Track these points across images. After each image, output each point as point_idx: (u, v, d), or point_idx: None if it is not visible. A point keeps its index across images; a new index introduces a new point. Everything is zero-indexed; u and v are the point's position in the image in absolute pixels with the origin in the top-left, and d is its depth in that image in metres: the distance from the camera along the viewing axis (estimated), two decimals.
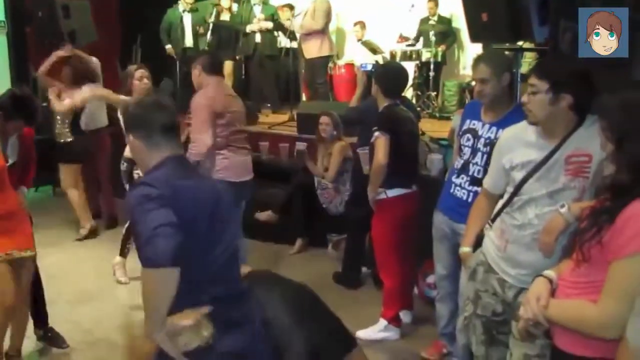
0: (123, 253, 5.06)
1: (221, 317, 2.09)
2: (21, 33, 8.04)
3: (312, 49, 8.38)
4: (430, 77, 8.27)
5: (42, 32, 7.63)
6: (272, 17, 8.71)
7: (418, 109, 7.82)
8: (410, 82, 8.16)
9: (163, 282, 1.91)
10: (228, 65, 8.81)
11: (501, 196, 2.63)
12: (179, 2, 8.77)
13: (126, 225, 4.89)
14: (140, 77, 4.87)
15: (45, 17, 7.68)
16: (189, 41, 8.70)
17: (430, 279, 4.43)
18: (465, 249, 2.81)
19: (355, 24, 8.77)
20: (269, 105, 8.95)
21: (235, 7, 8.93)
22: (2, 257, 3.35)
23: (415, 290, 4.64)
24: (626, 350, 1.57)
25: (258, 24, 8.62)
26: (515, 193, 2.49)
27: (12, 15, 8.07)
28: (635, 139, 1.72)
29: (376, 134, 3.86)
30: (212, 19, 8.64)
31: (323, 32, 8.34)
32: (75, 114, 5.95)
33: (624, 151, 1.74)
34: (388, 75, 4.15)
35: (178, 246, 1.90)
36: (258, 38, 8.78)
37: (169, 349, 2.02)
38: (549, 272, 2.00)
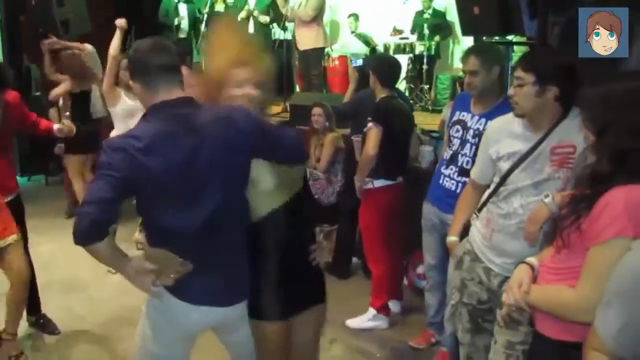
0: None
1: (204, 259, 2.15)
2: (15, 21, 8.02)
3: (306, 41, 8.38)
4: (424, 70, 8.29)
5: (35, 21, 7.59)
6: (268, 9, 8.71)
7: (411, 101, 7.89)
8: (403, 74, 8.21)
9: (94, 254, 2.03)
10: None
11: (488, 186, 2.67)
12: None
13: None
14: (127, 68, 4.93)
15: (39, 5, 7.65)
16: (184, 32, 8.71)
17: (420, 269, 4.48)
18: (452, 238, 2.85)
19: (349, 16, 8.79)
20: None
21: None
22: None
23: (405, 281, 4.69)
24: (593, 338, 1.62)
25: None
26: (501, 183, 2.53)
27: (6, 3, 8.05)
28: (614, 130, 1.75)
29: (370, 124, 3.90)
30: (206, 10, 8.64)
31: (317, 23, 8.33)
32: (79, 104, 5.91)
33: (604, 142, 1.77)
34: (384, 65, 4.18)
35: (95, 224, 1.96)
36: (250, 30, 8.80)
37: (137, 285, 2.11)
38: (531, 259, 2.04)
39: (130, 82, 2.22)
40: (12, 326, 3.59)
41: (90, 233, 1.96)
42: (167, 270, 2.10)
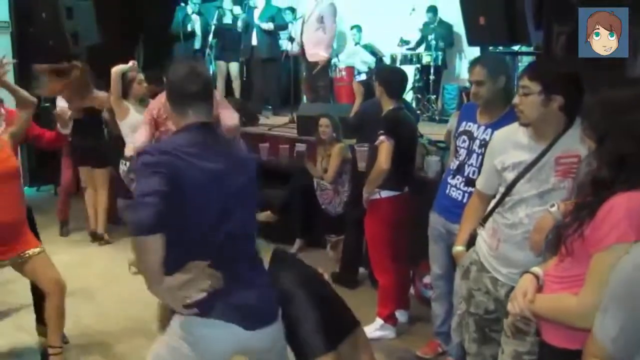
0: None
1: (230, 273, 2.17)
2: (25, 33, 8.08)
3: (314, 52, 8.43)
4: (431, 81, 8.33)
5: (45, 33, 7.65)
6: (272, 18, 8.75)
7: (418, 112, 7.91)
8: (410, 85, 8.23)
9: (146, 247, 2.00)
10: (234, 68, 8.89)
11: (494, 196, 2.68)
12: (188, 3, 8.84)
13: None
14: (140, 81, 4.99)
15: (49, 18, 7.71)
16: (197, 43, 8.78)
17: (427, 279, 4.47)
18: (458, 248, 2.86)
19: (352, 28, 8.83)
20: (269, 107, 9.00)
21: (237, 9, 8.98)
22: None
23: (412, 291, 4.68)
24: (592, 344, 1.62)
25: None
26: (506, 193, 2.54)
27: (16, 15, 8.12)
28: (614, 137, 1.76)
29: (381, 137, 3.88)
30: (214, 22, 8.69)
31: (333, 36, 8.42)
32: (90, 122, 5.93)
33: (604, 148, 1.79)
34: (391, 77, 4.20)
35: (159, 214, 1.97)
36: (254, 41, 8.85)
37: (169, 302, 2.12)
38: (536, 269, 2.04)
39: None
40: (56, 339, 3.59)
41: (156, 222, 1.98)
42: (200, 281, 2.11)
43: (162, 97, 4.17)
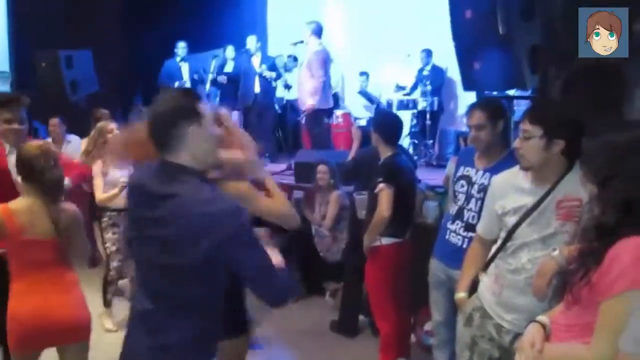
0: (106, 303, 5.06)
1: None
2: (25, 83, 8.15)
3: (309, 101, 8.49)
4: (427, 126, 8.36)
5: (45, 82, 7.72)
6: (273, 66, 8.86)
7: (415, 157, 7.93)
8: (407, 130, 8.27)
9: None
10: (234, 117, 8.95)
11: (495, 241, 2.65)
12: (176, 50, 8.93)
13: (104, 273, 4.98)
14: (111, 130, 4.96)
15: (48, 67, 7.79)
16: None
17: (428, 326, 4.39)
18: (460, 295, 2.80)
19: (362, 75, 8.93)
20: (267, 155, 9.02)
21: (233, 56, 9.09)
22: None
23: (413, 338, 4.60)
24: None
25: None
26: (508, 238, 2.51)
27: (17, 66, 8.21)
28: (618, 180, 1.74)
29: (381, 185, 3.87)
30: (212, 70, 8.78)
31: (321, 83, 8.47)
32: None
33: (607, 192, 1.76)
34: (387, 123, 4.21)
35: None
36: (257, 89, 8.93)
37: None
38: (542, 318, 1.99)
39: None
40: None
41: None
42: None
43: None
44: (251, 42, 9.04)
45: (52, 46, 7.91)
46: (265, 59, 9.05)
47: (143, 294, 2.00)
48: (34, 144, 3.17)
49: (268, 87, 8.94)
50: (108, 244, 5.01)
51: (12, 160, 3.34)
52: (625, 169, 1.74)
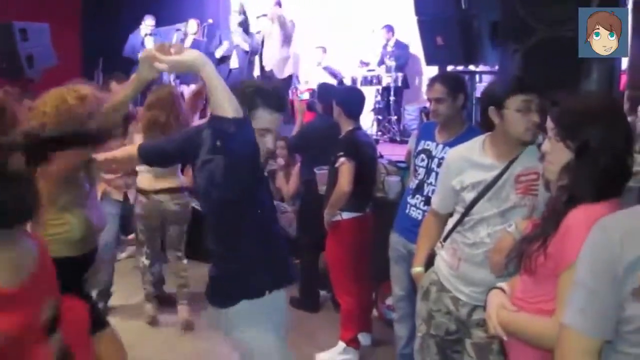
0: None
1: None
2: None
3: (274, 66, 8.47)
4: (391, 102, 8.36)
5: None
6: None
7: (379, 132, 7.94)
8: (371, 106, 8.26)
9: None
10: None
11: (450, 215, 2.64)
12: (141, 26, 8.75)
13: None
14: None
15: (2, 41, 7.52)
16: None
17: (389, 301, 4.42)
18: (417, 269, 2.79)
19: (317, 48, 8.86)
20: None
21: (200, 33, 8.92)
22: None
23: (375, 313, 4.62)
24: (561, 339, 1.52)
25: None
26: (466, 213, 2.50)
27: None
28: (595, 150, 1.71)
29: (342, 159, 3.85)
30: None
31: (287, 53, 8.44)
32: None
33: (585, 160, 1.72)
34: (350, 97, 4.18)
35: None
36: (235, 63, 8.79)
37: None
38: (502, 284, 1.98)
39: None
40: None
41: None
42: None
43: None
44: (192, 26, 8.96)
45: (4, 17, 7.64)
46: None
47: None
48: None
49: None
50: None
51: None
52: (606, 138, 1.69)
